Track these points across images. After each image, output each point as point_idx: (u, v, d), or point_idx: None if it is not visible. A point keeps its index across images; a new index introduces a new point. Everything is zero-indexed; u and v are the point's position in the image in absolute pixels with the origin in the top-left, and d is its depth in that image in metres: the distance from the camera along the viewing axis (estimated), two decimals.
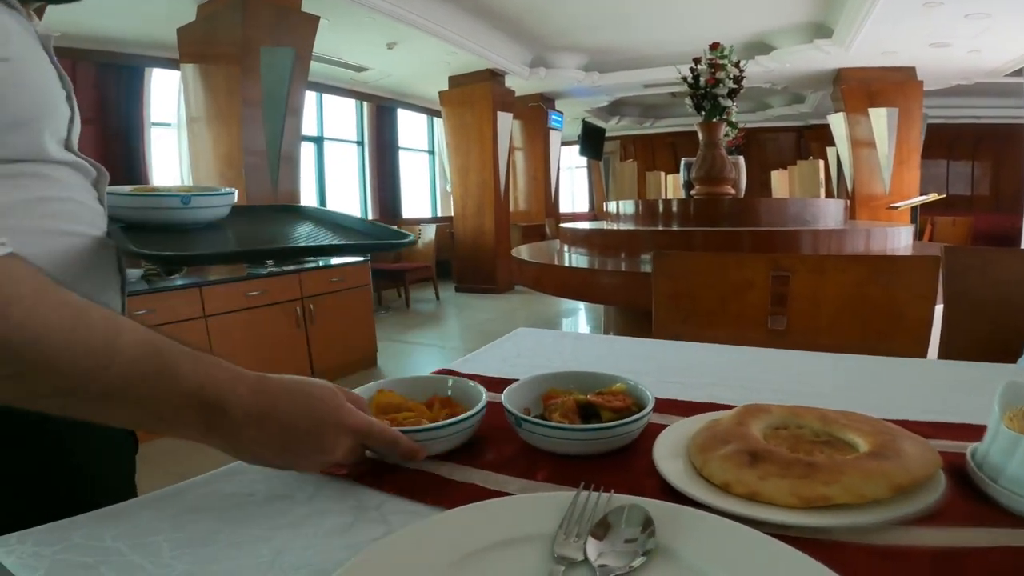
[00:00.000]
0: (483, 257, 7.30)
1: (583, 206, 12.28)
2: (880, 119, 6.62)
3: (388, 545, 0.40)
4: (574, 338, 1.10)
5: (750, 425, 0.54)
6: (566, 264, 3.07)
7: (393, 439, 0.51)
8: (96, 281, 0.63)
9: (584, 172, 12.28)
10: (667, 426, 0.61)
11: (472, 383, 0.66)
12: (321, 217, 0.90)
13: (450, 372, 0.85)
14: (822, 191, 8.58)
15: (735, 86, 3.51)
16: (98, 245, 0.62)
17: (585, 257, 3.33)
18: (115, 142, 4.67)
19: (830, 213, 3.54)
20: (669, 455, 0.54)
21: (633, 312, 3.05)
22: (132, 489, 0.75)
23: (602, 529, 0.41)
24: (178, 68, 4.36)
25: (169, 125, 5.06)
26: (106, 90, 4.55)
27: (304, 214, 0.94)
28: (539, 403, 0.66)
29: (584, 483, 0.47)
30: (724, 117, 3.60)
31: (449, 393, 0.66)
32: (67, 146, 0.59)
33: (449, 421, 0.55)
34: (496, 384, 0.69)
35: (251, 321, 3.16)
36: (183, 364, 0.42)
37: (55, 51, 0.67)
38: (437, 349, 4.76)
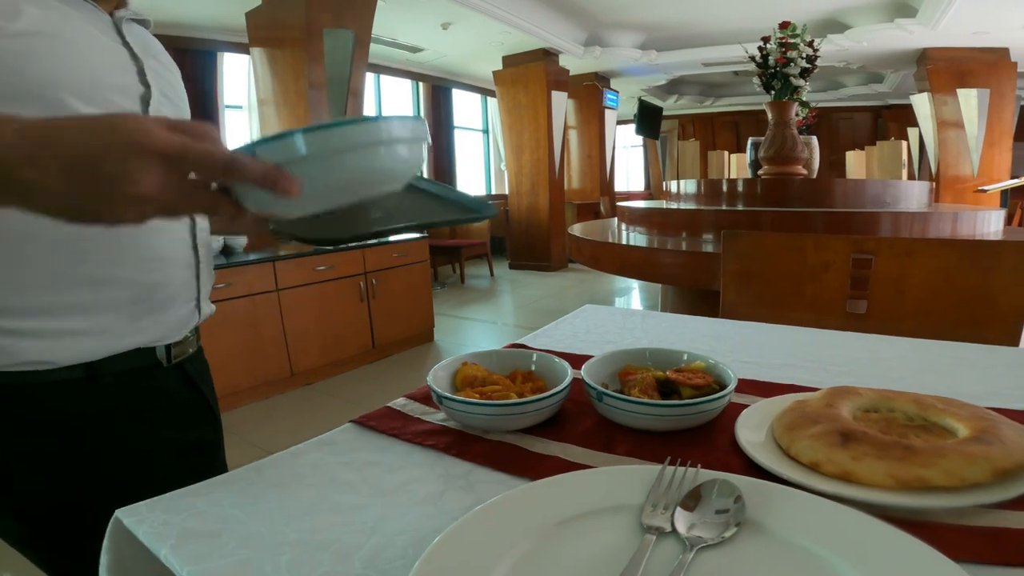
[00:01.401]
0: (537, 235, 7.30)
1: (638, 185, 12.01)
2: (970, 100, 6.15)
3: (484, 513, 0.42)
4: (642, 315, 1.09)
5: (840, 407, 0.53)
6: (624, 243, 3.02)
7: (227, 159, 0.37)
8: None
9: (640, 151, 11.99)
10: (747, 406, 0.61)
11: (557, 359, 0.67)
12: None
13: (522, 346, 0.87)
14: (903, 173, 8.06)
15: (808, 65, 3.32)
16: None
17: (644, 236, 3.26)
18: None
19: (913, 195, 3.30)
20: (752, 434, 0.54)
21: (692, 293, 2.99)
22: (222, 462, 0.81)
23: (693, 500, 0.42)
24: (248, 52, 4.52)
25: (240, 108, 5.27)
26: (183, 74, 4.77)
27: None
28: (615, 379, 0.67)
29: (670, 458, 0.48)
30: (795, 97, 3.42)
31: (533, 368, 0.68)
32: None
33: (541, 396, 0.57)
34: (568, 359, 0.70)
35: (319, 295, 3.31)
36: None
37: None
38: (491, 325, 4.81)
